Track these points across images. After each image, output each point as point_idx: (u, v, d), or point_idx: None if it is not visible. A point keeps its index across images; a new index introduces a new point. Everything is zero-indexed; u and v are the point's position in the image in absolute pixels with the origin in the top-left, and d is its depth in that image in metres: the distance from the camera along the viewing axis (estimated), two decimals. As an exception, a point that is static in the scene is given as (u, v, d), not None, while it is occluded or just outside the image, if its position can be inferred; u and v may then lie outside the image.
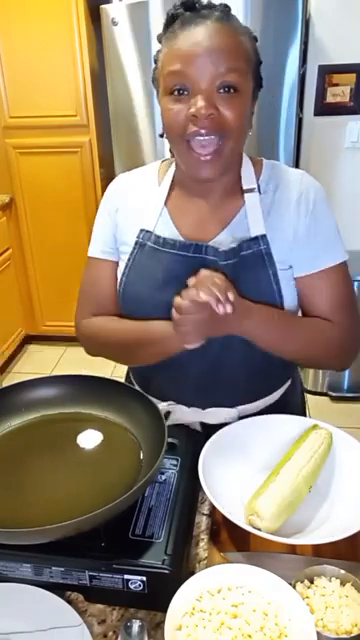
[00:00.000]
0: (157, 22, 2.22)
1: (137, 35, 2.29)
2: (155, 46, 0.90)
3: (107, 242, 1.05)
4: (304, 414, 1.19)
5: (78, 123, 2.73)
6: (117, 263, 1.05)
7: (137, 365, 1.13)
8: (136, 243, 0.99)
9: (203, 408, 1.05)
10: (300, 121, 2.34)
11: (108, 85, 2.45)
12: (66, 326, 3.21)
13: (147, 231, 0.99)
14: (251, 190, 0.96)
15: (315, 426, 0.95)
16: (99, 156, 2.80)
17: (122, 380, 0.95)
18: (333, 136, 2.35)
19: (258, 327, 0.92)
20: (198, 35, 0.82)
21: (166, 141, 0.94)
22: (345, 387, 2.71)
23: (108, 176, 2.85)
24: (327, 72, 2.24)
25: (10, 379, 3.02)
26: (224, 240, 0.95)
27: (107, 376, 0.96)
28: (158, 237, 0.97)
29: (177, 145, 0.89)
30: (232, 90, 0.83)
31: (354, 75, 2.23)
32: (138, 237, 0.99)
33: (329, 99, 2.29)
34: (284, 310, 0.96)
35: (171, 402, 1.07)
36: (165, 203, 0.99)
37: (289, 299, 0.97)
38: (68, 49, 2.58)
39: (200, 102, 0.82)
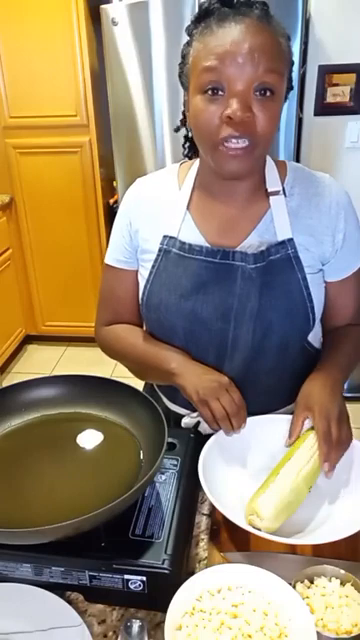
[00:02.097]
0: (157, 22, 2.22)
1: (137, 35, 2.29)
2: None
3: (122, 251, 1.04)
4: None
5: (78, 123, 2.73)
6: (134, 272, 1.04)
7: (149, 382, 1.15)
8: (160, 250, 0.97)
9: None
10: (300, 121, 2.33)
11: (108, 85, 2.44)
12: (66, 326, 3.22)
13: (171, 237, 0.96)
14: (276, 193, 0.94)
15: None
16: (99, 156, 2.80)
17: (126, 381, 0.95)
18: (333, 136, 2.35)
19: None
20: (237, 33, 0.78)
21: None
22: (345, 387, 2.69)
23: (108, 176, 2.86)
24: (327, 72, 2.23)
25: (10, 379, 3.02)
26: (252, 245, 0.94)
27: (107, 376, 0.96)
28: (183, 243, 0.95)
29: (207, 144, 0.86)
30: (268, 93, 0.80)
31: (354, 75, 2.22)
32: (162, 244, 0.97)
33: (329, 99, 2.28)
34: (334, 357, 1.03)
35: None
36: (187, 207, 0.97)
37: (318, 302, 0.98)
38: (68, 49, 2.58)
39: (236, 105, 0.79)
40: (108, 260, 1.07)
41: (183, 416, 1.08)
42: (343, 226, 0.96)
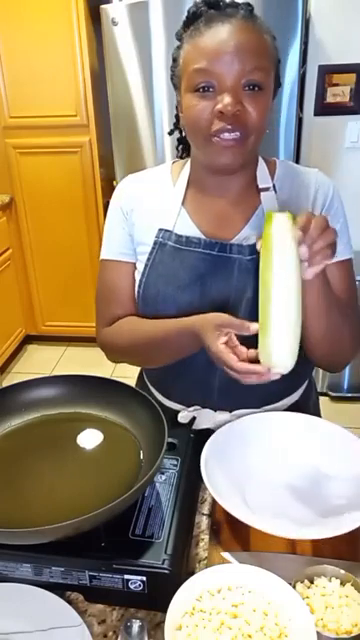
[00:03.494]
0: (157, 22, 2.22)
1: (137, 35, 2.29)
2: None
3: (124, 243, 1.04)
4: (319, 412, 1.20)
5: (78, 123, 2.73)
6: (135, 265, 1.04)
7: (159, 366, 1.09)
8: (155, 243, 0.98)
9: (230, 411, 1.05)
10: (300, 121, 2.33)
11: (108, 85, 2.45)
12: (66, 326, 3.22)
13: (167, 230, 0.98)
14: (267, 189, 0.97)
15: (269, 217, 0.75)
16: (99, 156, 2.80)
17: (126, 381, 0.95)
18: (333, 136, 2.35)
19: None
20: (225, 33, 0.82)
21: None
22: (345, 387, 2.71)
23: (108, 176, 2.85)
24: (327, 72, 2.23)
25: (10, 379, 3.02)
26: (246, 238, 0.96)
27: (107, 376, 0.96)
28: (180, 236, 0.97)
29: (199, 139, 0.88)
30: (257, 88, 0.84)
31: (354, 75, 2.22)
32: (157, 236, 0.98)
33: (329, 99, 2.28)
34: None
35: (197, 407, 1.07)
36: (182, 203, 0.99)
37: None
38: (68, 49, 2.58)
39: (227, 99, 0.82)
40: (109, 255, 1.05)
41: (177, 412, 1.08)
42: (325, 212, 0.98)
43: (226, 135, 0.84)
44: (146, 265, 0.99)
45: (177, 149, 1.07)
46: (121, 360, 1.11)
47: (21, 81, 2.68)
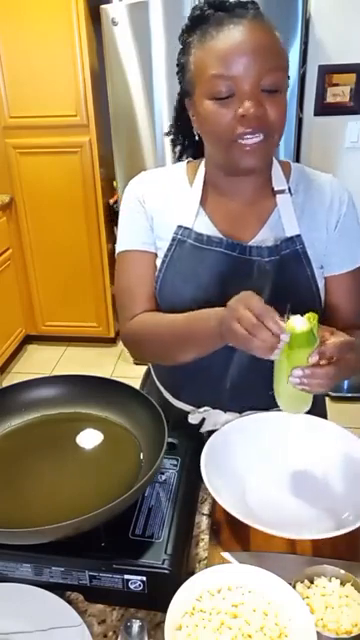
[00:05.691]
0: (157, 22, 2.22)
1: (137, 35, 2.29)
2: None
3: (145, 233, 1.00)
4: (325, 410, 1.20)
5: (78, 123, 2.73)
6: (156, 256, 1.01)
7: (181, 361, 1.02)
8: (174, 240, 0.97)
9: (240, 412, 1.05)
10: (300, 121, 2.34)
11: (108, 85, 2.45)
12: (66, 326, 3.22)
13: (186, 228, 0.97)
14: (282, 191, 0.96)
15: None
16: (99, 156, 2.80)
17: (126, 381, 0.95)
18: (333, 136, 2.35)
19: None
20: (239, 35, 0.80)
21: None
22: (345, 387, 2.71)
23: (108, 176, 2.86)
24: (327, 72, 2.23)
25: (10, 379, 3.02)
26: (263, 240, 0.96)
27: (107, 376, 0.96)
28: (200, 234, 0.96)
29: (221, 143, 0.87)
30: (275, 89, 0.83)
31: (354, 75, 2.22)
32: (176, 233, 0.97)
33: (329, 99, 2.28)
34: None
35: (207, 408, 1.07)
36: (200, 203, 0.98)
37: (323, 299, 0.99)
38: (68, 49, 2.57)
39: (249, 104, 0.81)
40: (131, 245, 1.01)
41: (187, 412, 1.08)
42: (342, 220, 0.98)
43: (248, 137, 0.84)
44: (163, 262, 0.98)
45: (173, 152, 1.05)
46: (144, 355, 1.08)
47: (21, 81, 2.68)
